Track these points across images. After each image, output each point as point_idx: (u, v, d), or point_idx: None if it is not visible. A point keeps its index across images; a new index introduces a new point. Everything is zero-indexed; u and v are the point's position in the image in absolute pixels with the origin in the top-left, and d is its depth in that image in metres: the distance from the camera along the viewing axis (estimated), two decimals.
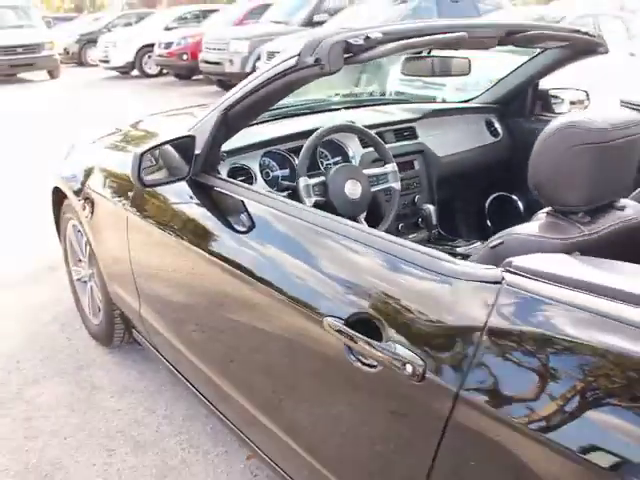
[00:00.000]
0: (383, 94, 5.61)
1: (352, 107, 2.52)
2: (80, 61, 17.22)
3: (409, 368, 1.02)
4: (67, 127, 7.01)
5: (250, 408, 1.56)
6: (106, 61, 14.07)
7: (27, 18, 14.62)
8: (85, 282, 2.69)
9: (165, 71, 13.31)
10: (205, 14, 14.86)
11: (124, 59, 13.61)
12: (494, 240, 1.21)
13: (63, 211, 2.63)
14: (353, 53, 1.39)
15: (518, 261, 0.97)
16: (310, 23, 10.25)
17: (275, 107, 2.13)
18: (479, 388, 0.94)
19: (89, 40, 16.99)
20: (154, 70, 13.60)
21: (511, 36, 1.80)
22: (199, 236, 1.65)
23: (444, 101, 3.85)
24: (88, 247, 2.48)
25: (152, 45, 12.86)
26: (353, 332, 1.12)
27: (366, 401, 1.20)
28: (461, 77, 2.17)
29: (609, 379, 0.82)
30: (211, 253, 1.57)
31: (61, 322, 2.88)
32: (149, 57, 13.37)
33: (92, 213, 2.24)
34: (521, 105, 2.58)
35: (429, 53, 1.89)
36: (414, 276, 1.09)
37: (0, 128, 7.93)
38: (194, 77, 12.09)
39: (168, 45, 12.09)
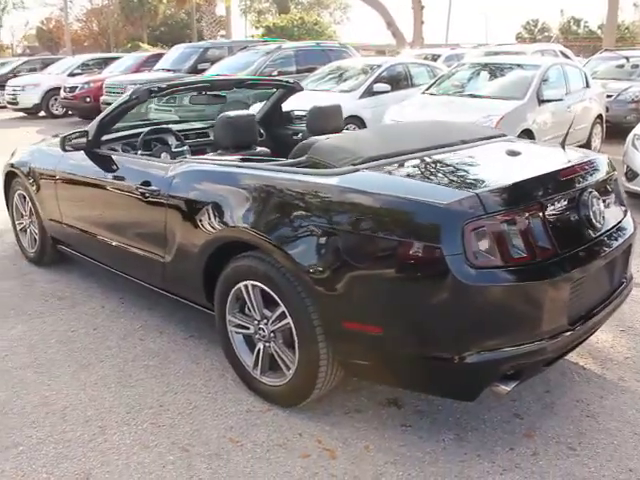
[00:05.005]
0: None
1: (180, 122, 4.52)
2: None
3: (155, 193, 3.00)
4: None
5: (107, 240, 3.51)
6: (14, 103, 15.56)
7: None
8: (25, 230, 4.51)
9: (70, 112, 14.98)
10: (107, 61, 16.66)
11: (32, 101, 15.21)
12: None
13: (12, 186, 4.47)
14: (153, 93, 3.43)
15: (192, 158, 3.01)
16: (195, 71, 12.32)
17: (137, 122, 4.12)
18: (177, 190, 2.93)
19: None
20: (60, 111, 15.28)
21: (242, 83, 3.94)
22: (90, 175, 3.58)
23: None
24: (29, 206, 4.32)
25: (58, 88, 14.56)
26: (143, 187, 3.08)
27: (148, 211, 3.12)
28: None
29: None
30: (94, 179, 3.51)
31: (9, 259, 4.69)
32: (55, 99, 15.02)
33: (36, 183, 4.11)
34: (277, 120, 4.68)
35: (205, 93, 3.95)
36: (154, 166, 3.10)
37: None
38: None
39: (72, 89, 13.85)
